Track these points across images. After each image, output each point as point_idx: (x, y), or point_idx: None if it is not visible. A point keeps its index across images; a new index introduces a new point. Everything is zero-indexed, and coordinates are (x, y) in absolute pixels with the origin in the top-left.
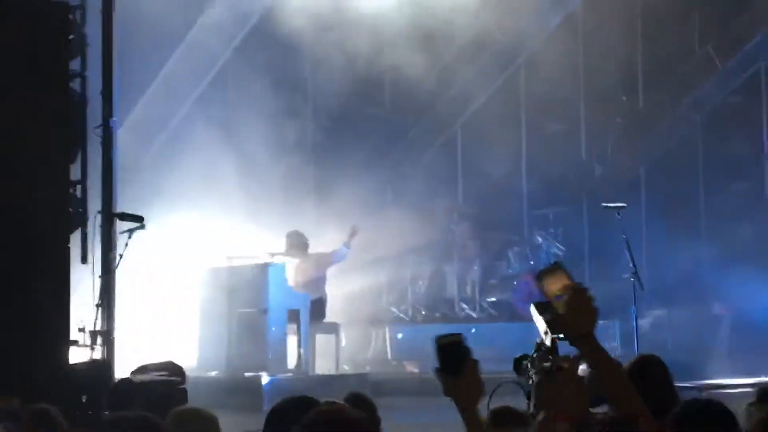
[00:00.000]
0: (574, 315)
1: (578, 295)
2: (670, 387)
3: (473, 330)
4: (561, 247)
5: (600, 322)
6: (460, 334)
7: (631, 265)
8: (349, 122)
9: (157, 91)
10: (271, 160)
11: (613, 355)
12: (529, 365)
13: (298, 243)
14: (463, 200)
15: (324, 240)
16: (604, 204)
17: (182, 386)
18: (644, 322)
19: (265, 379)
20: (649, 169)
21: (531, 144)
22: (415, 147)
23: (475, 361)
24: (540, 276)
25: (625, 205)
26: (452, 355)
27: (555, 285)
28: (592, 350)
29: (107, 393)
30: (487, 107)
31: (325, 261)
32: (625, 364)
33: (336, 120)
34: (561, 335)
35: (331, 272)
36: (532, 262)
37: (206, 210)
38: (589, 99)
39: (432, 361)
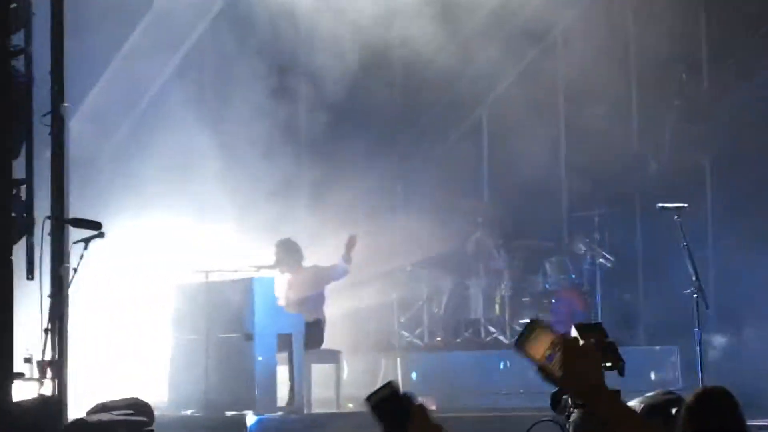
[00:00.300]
0: (574, 371)
1: (571, 345)
2: (740, 425)
3: (503, 365)
4: (608, 256)
5: (657, 348)
6: (390, 383)
7: (693, 278)
8: (350, 107)
9: (118, 71)
10: (259, 154)
11: (663, 394)
12: (568, 400)
13: (290, 254)
14: (489, 201)
15: (321, 250)
16: (660, 204)
17: (150, 428)
18: (710, 348)
19: (250, 419)
20: (716, 162)
21: (571, 133)
22: (430, 136)
23: (420, 407)
24: (519, 345)
25: (686, 205)
26: (391, 412)
27: (541, 347)
28: (608, 403)
29: None
30: (516, 89)
31: (323, 276)
32: (687, 397)
33: (335, 105)
34: (609, 363)
35: (330, 289)
36: (573, 276)
37: (179, 214)
38: (641, 79)
39: (452, 395)
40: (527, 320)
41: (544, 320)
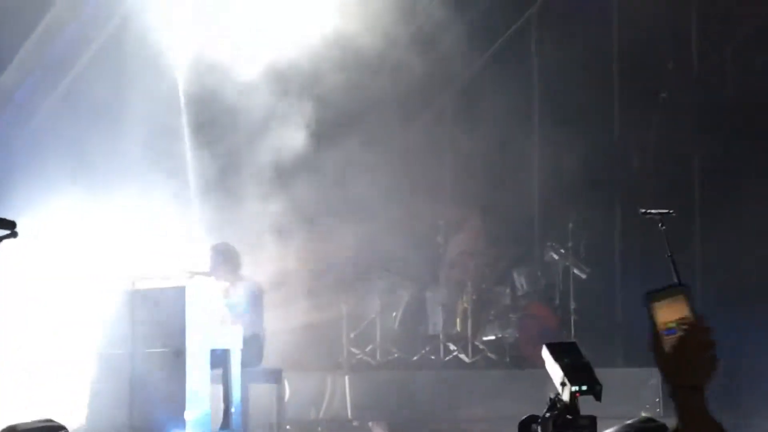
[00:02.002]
0: (688, 359)
1: (701, 334)
2: None
3: (465, 387)
4: (583, 267)
5: (636, 369)
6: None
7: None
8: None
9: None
10: (195, 145)
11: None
12: (539, 430)
13: (227, 260)
14: (453, 201)
15: (261, 258)
16: (643, 210)
17: None
18: None
19: None
20: (707, 161)
21: (545, 123)
22: (385, 127)
23: None
24: (652, 298)
25: (671, 211)
26: None
27: (670, 314)
28: (697, 410)
29: None
30: (486, 75)
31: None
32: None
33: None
34: (584, 386)
35: (270, 301)
36: (544, 288)
37: (104, 213)
38: (624, 65)
39: (408, 419)
40: (492, 337)
41: (689, 288)
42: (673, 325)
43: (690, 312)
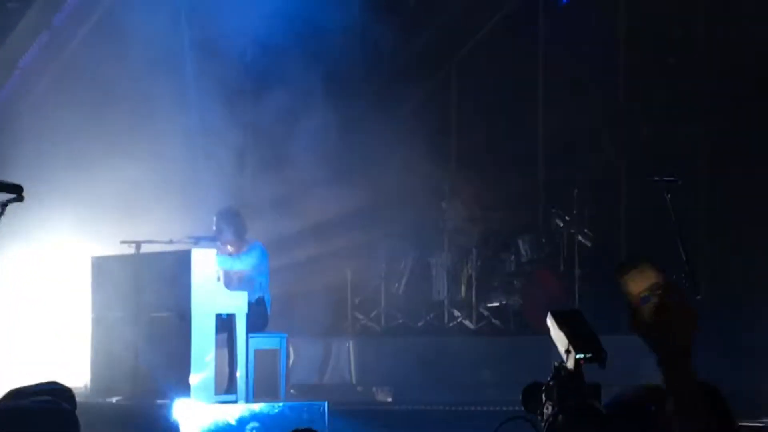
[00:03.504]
0: (667, 323)
1: (673, 294)
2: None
3: (469, 353)
4: (589, 233)
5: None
6: None
7: (684, 261)
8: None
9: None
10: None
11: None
12: (543, 397)
13: (232, 225)
14: (458, 167)
15: (266, 225)
16: (654, 177)
17: (71, 416)
18: (699, 338)
19: (179, 408)
20: (714, 127)
21: (549, 94)
22: (391, 95)
23: None
24: (620, 270)
25: (677, 179)
26: None
27: (641, 283)
28: (686, 376)
29: None
30: (490, 42)
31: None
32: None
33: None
34: (589, 354)
35: (275, 265)
36: (548, 255)
37: (106, 178)
38: (630, 32)
39: (412, 386)
40: (497, 304)
41: (648, 257)
42: (647, 293)
43: (659, 277)
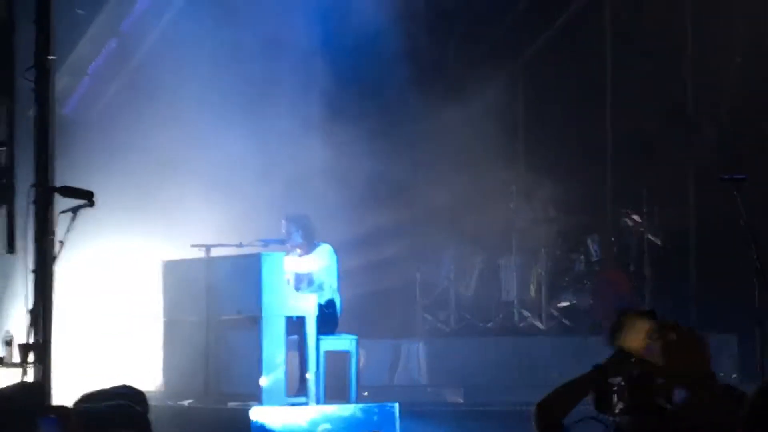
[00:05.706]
0: (681, 360)
1: (673, 333)
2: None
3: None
4: (656, 233)
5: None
6: None
7: (755, 258)
8: (364, 61)
9: (108, 20)
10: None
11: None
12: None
13: (302, 228)
14: (526, 168)
15: (336, 228)
16: (724, 176)
17: (144, 420)
18: None
19: (255, 412)
20: None
21: (617, 94)
22: (456, 96)
23: None
24: (613, 337)
25: (745, 177)
26: None
27: (637, 337)
28: (712, 392)
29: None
30: (557, 43)
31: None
32: (749, 393)
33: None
34: None
35: (345, 268)
36: (618, 255)
37: (177, 183)
38: (697, 28)
39: (481, 387)
40: (566, 304)
41: (630, 308)
42: (647, 342)
43: (649, 322)
